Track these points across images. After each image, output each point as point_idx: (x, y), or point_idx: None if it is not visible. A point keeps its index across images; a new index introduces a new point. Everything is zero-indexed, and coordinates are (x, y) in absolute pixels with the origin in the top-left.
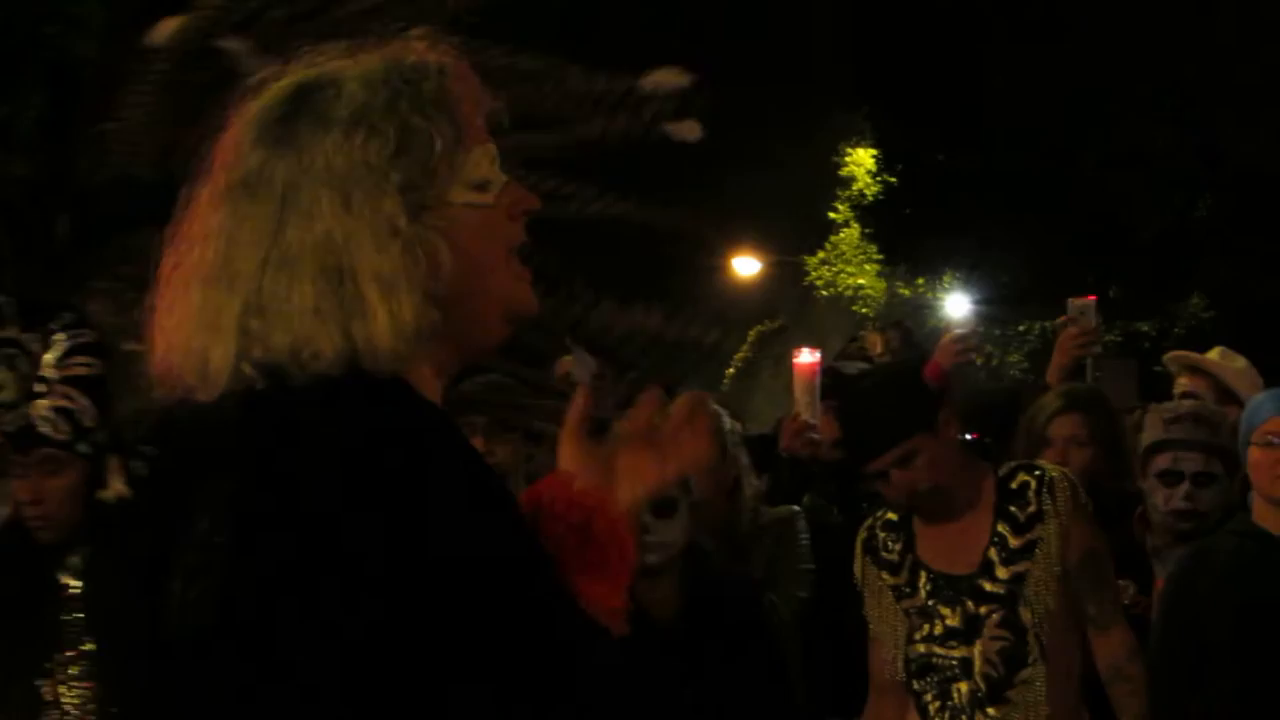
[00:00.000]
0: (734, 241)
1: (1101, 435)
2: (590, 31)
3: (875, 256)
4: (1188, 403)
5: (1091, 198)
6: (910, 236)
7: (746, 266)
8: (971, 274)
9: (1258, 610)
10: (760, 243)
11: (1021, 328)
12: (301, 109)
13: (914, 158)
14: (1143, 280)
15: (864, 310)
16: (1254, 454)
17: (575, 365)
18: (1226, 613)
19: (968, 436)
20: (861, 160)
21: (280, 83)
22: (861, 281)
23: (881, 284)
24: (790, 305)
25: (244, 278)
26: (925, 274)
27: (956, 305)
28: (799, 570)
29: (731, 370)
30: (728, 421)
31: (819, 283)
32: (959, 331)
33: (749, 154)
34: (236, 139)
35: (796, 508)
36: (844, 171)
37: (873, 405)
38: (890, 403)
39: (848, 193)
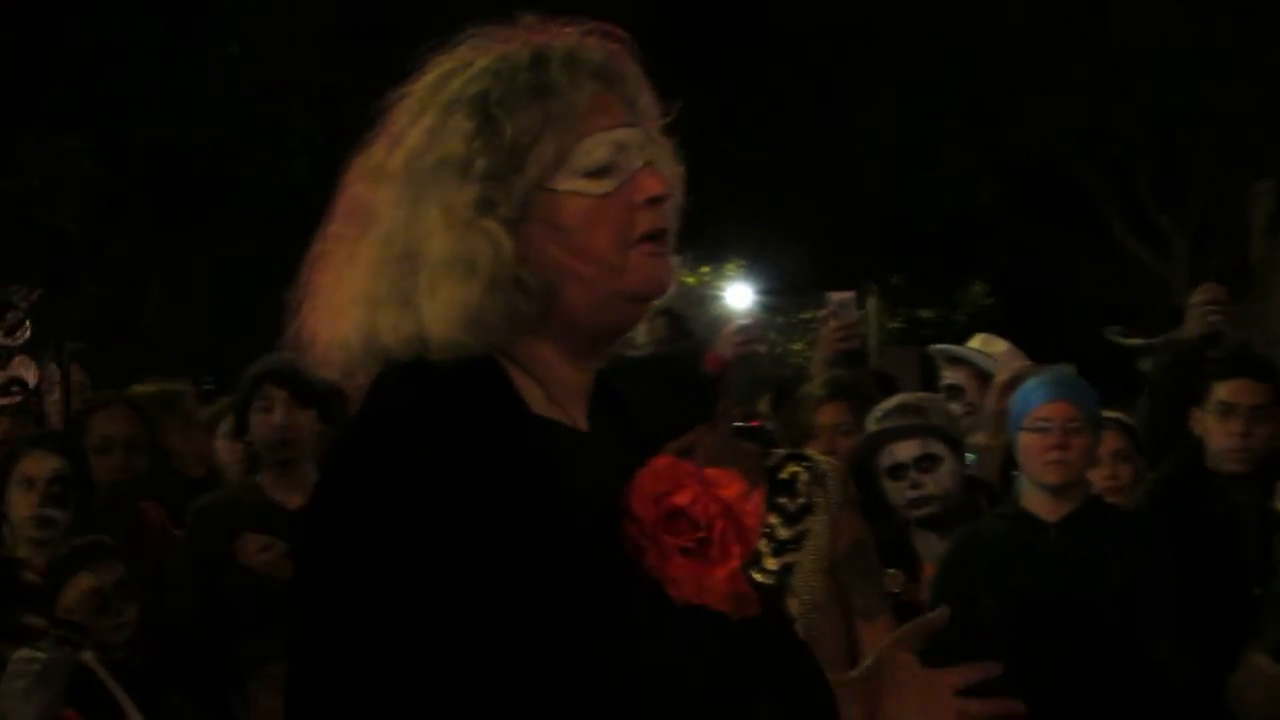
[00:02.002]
0: None
1: None
2: None
3: None
4: (896, 398)
5: (875, 187)
6: (694, 225)
7: None
8: (755, 263)
9: (1027, 594)
10: None
11: (806, 316)
12: (425, 100)
13: (699, 147)
14: (926, 268)
15: None
16: (1024, 439)
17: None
18: (996, 597)
19: (751, 424)
20: None
21: (430, 73)
22: None
23: None
24: None
25: (358, 263)
26: (709, 263)
27: (740, 294)
28: None
29: None
30: None
31: None
32: (741, 321)
33: None
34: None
35: None
36: None
37: (651, 396)
38: (670, 394)
39: None
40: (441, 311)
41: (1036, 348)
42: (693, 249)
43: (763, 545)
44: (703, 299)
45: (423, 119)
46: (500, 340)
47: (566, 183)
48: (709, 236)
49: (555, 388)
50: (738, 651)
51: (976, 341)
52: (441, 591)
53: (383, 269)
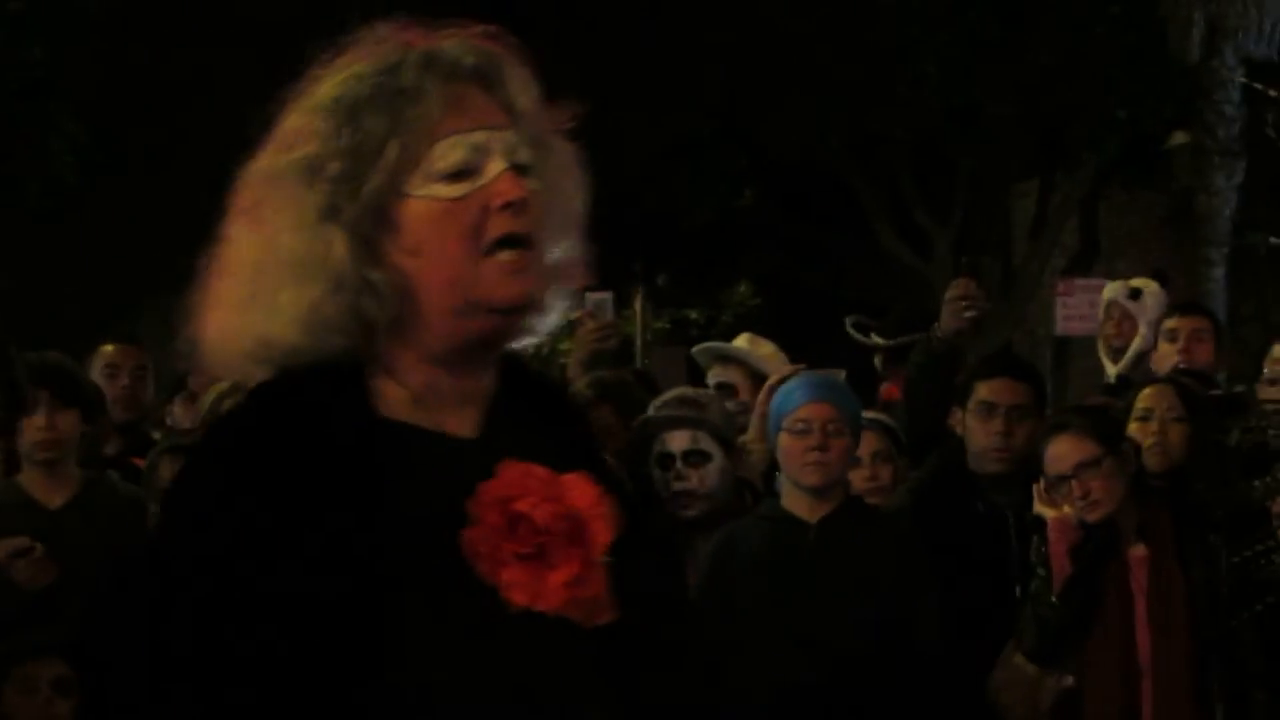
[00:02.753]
0: None
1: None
2: None
3: None
4: (676, 390)
5: (639, 186)
6: None
7: None
8: None
9: (787, 594)
10: None
11: (574, 317)
12: (298, 103)
13: None
14: (691, 268)
15: None
16: (784, 440)
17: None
18: (757, 597)
19: None
20: None
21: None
22: None
23: None
24: None
25: (233, 266)
26: None
27: None
28: None
29: None
30: None
31: None
32: None
33: None
34: None
35: None
36: None
37: None
38: None
39: None
40: (283, 313)
41: (803, 347)
42: None
43: None
44: None
45: (289, 121)
46: (358, 344)
47: (420, 187)
48: None
49: (425, 394)
50: (575, 658)
51: (742, 341)
52: (226, 606)
53: (245, 272)
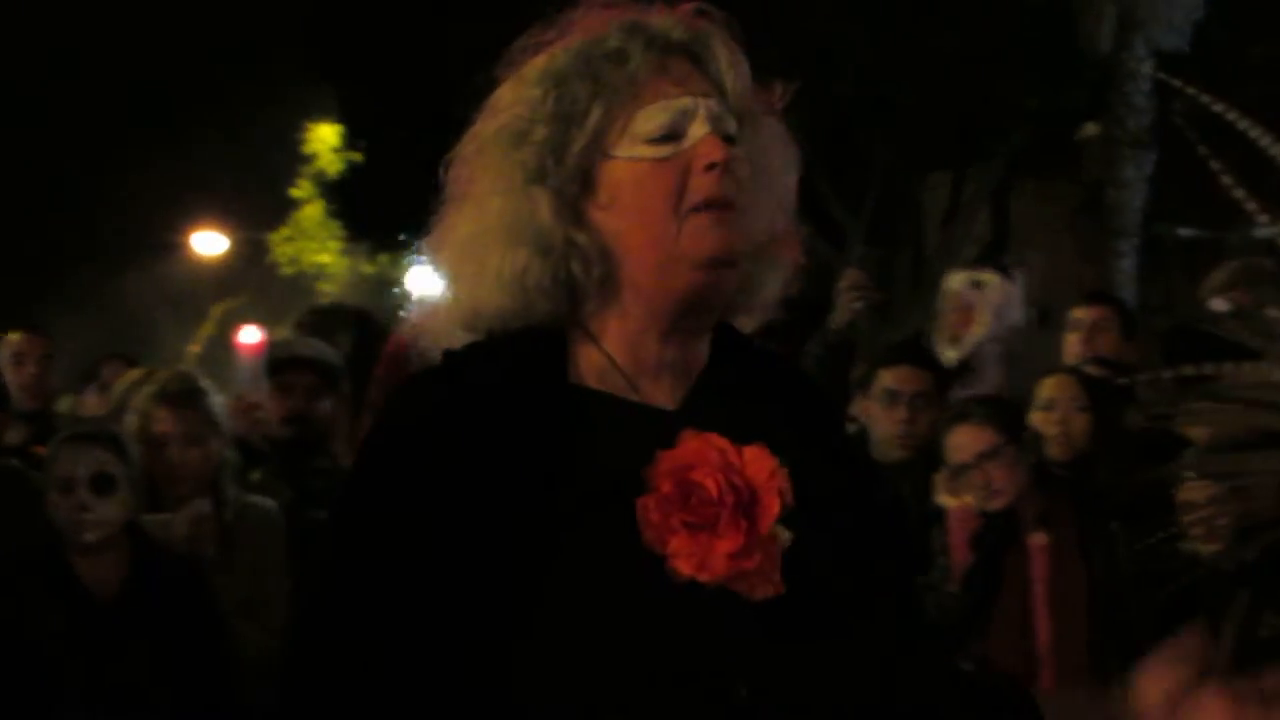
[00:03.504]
0: (196, 219)
1: None
2: None
3: (338, 234)
4: None
5: None
6: (373, 214)
7: (210, 244)
8: None
9: None
10: (224, 220)
11: None
12: (516, 75)
13: (379, 134)
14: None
15: (328, 288)
16: None
17: None
18: None
19: None
20: (325, 137)
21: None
22: (325, 259)
23: (345, 262)
24: (254, 283)
25: (451, 233)
26: (388, 251)
27: (422, 280)
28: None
29: (197, 348)
30: (217, 398)
31: (282, 260)
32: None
33: (212, 131)
34: None
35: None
36: (307, 148)
37: None
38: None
39: (311, 169)
40: (491, 276)
41: None
42: (372, 238)
43: None
44: (382, 287)
45: (501, 93)
46: (564, 309)
47: (627, 149)
48: (390, 226)
49: (630, 361)
50: (739, 630)
51: None
52: (401, 574)
53: (460, 243)
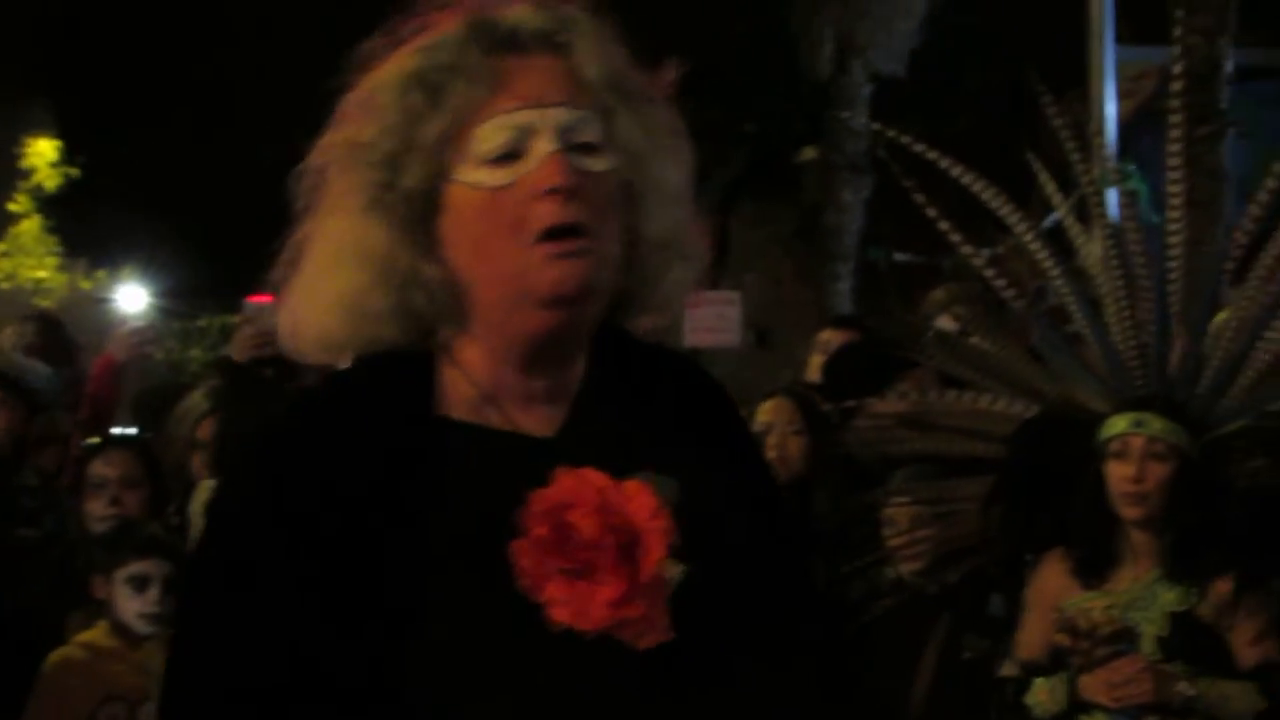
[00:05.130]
0: None
1: None
2: None
3: (56, 249)
4: None
5: (271, 193)
6: (91, 229)
7: None
8: (150, 267)
9: None
10: None
11: (202, 323)
12: (365, 81)
13: (98, 150)
14: None
15: (45, 303)
16: None
17: None
18: None
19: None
20: (43, 151)
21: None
22: (42, 274)
23: (62, 277)
24: None
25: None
26: (106, 266)
27: (133, 298)
28: None
29: None
30: None
31: None
32: (134, 324)
33: None
34: None
35: None
36: (24, 163)
37: None
38: None
39: (29, 184)
40: (325, 301)
41: None
42: (90, 254)
43: None
44: (99, 303)
45: (351, 97)
46: (412, 337)
47: (467, 173)
48: (107, 241)
49: (494, 391)
50: (620, 682)
51: None
52: (252, 611)
53: (306, 258)
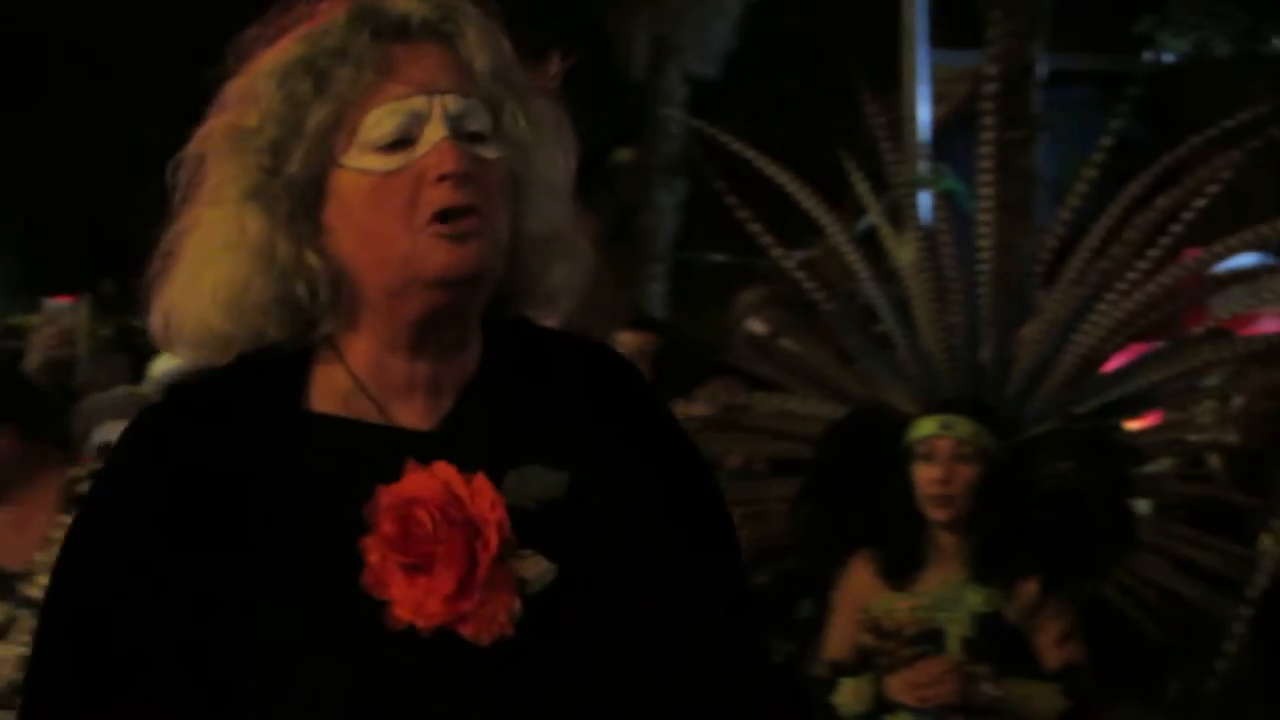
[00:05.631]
0: None
1: None
2: None
3: None
4: (122, 389)
5: (85, 193)
6: None
7: None
8: None
9: None
10: None
11: (14, 321)
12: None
13: None
14: (137, 277)
15: None
16: None
17: None
18: None
19: None
20: None
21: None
22: None
23: None
24: None
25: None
26: None
27: None
28: None
29: None
30: None
31: None
32: None
33: None
34: None
35: None
36: None
37: None
38: None
39: None
40: (205, 295)
41: None
42: None
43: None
44: None
45: (233, 84)
46: (296, 330)
47: (355, 159)
48: None
49: (376, 380)
50: (458, 680)
51: (163, 361)
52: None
53: (184, 249)
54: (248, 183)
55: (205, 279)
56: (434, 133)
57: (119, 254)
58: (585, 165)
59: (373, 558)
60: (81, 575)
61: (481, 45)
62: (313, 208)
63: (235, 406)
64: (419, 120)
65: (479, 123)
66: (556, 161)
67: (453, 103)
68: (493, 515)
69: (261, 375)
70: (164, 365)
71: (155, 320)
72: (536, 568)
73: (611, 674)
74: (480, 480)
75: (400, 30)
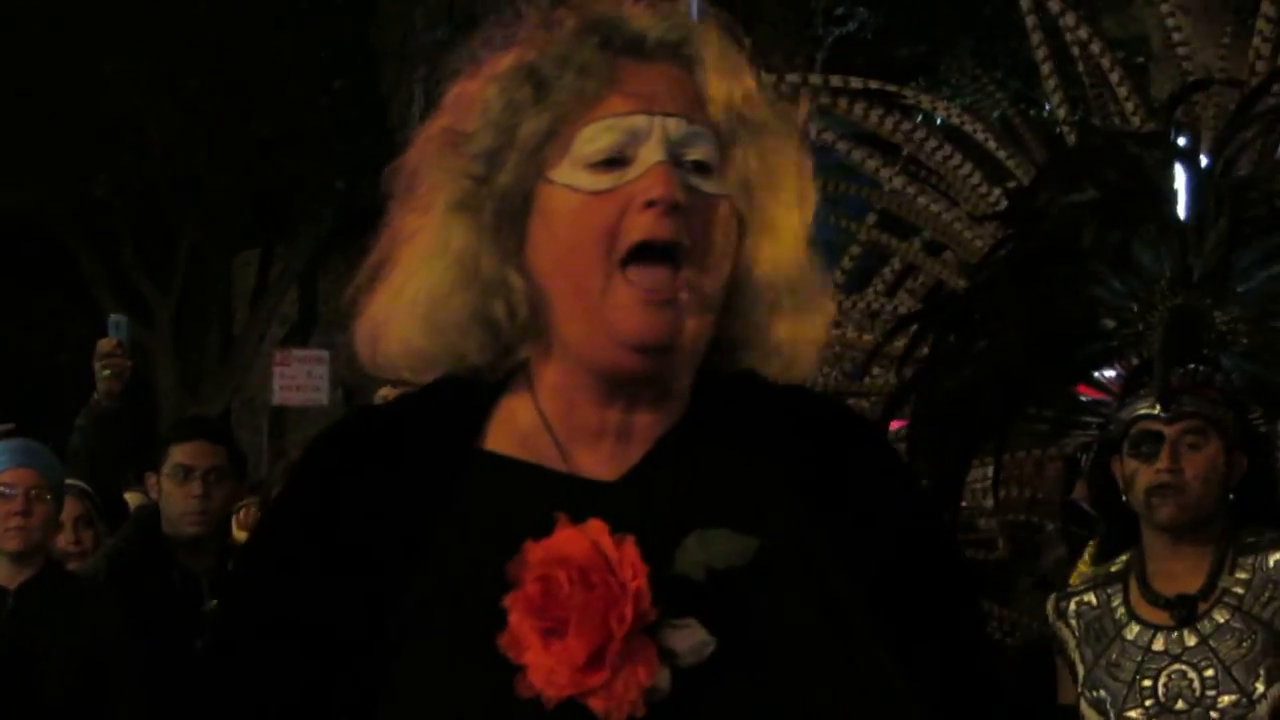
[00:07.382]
0: None
1: None
2: None
3: None
4: None
5: None
6: None
7: None
8: None
9: None
10: None
11: None
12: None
13: None
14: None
15: None
16: None
17: None
18: None
19: None
20: None
21: None
22: None
23: None
24: None
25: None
26: None
27: None
28: None
29: None
30: None
31: None
32: None
33: None
34: None
35: None
36: None
37: None
38: None
39: None
40: (405, 308)
41: (14, 411)
42: None
43: None
44: None
45: (457, 87)
46: (492, 354)
47: (565, 174)
48: None
49: (564, 420)
50: None
51: None
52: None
53: (385, 260)
54: (456, 191)
55: (407, 291)
56: (651, 154)
57: None
58: (361, 221)
59: (513, 618)
60: (232, 613)
61: (720, 73)
62: (519, 223)
63: (408, 443)
64: (636, 139)
65: (702, 152)
66: (791, 207)
67: (675, 126)
68: (632, 584)
69: (445, 408)
70: None
71: (361, 333)
72: (690, 640)
73: None
74: (629, 545)
75: (634, 47)
